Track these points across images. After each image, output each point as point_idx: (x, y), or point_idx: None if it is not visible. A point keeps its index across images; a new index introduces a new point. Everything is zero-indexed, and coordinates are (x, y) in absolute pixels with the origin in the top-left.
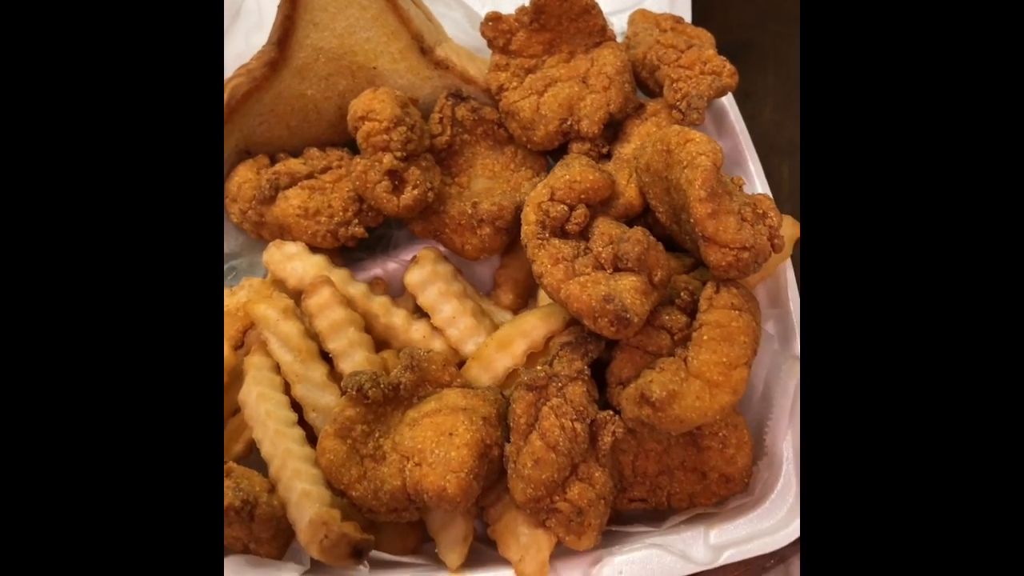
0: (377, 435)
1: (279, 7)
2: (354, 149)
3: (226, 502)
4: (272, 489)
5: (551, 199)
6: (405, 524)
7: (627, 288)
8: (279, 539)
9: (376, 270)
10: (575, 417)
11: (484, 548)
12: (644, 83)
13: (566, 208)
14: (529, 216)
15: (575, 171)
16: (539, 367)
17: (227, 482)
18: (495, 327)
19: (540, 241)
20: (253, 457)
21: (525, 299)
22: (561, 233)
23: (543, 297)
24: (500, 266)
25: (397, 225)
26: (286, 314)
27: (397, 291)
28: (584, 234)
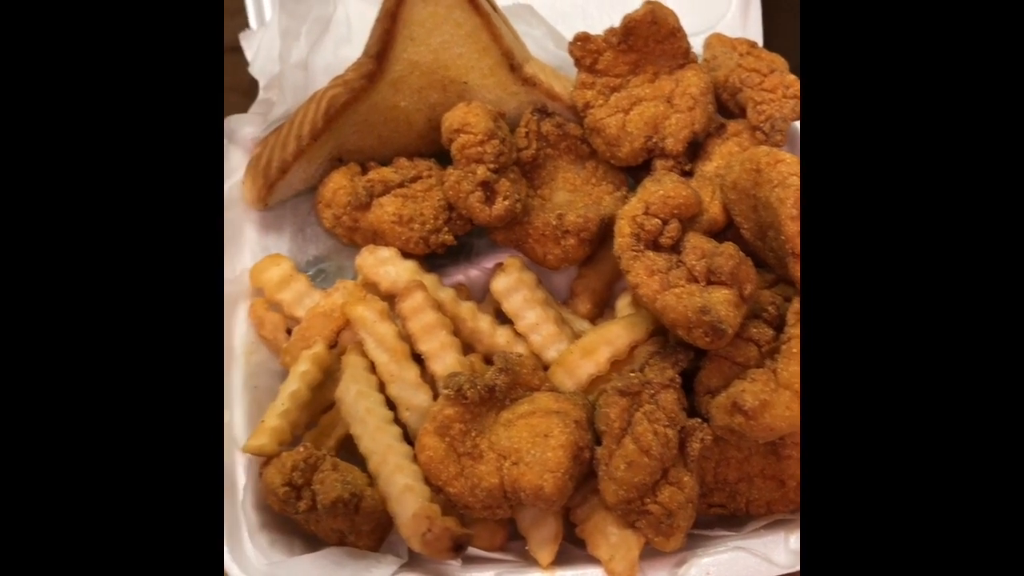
0: (473, 434)
1: (378, 21)
2: (441, 160)
3: (335, 495)
4: (371, 483)
5: (645, 213)
6: (494, 522)
7: (720, 300)
8: (377, 532)
9: (459, 276)
10: (667, 423)
11: (570, 547)
12: (724, 104)
13: (659, 222)
14: (624, 229)
15: (668, 187)
16: (632, 374)
17: (335, 475)
18: (575, 335)
19: (635, 253)
20: (340, 455)
21: (601, 309)
22: (654, 246)
23: (621, 308)
24: (578, 276)
25: (478, 234)
26: (382, 316)
27: (477, 297)
28: (675, 248)
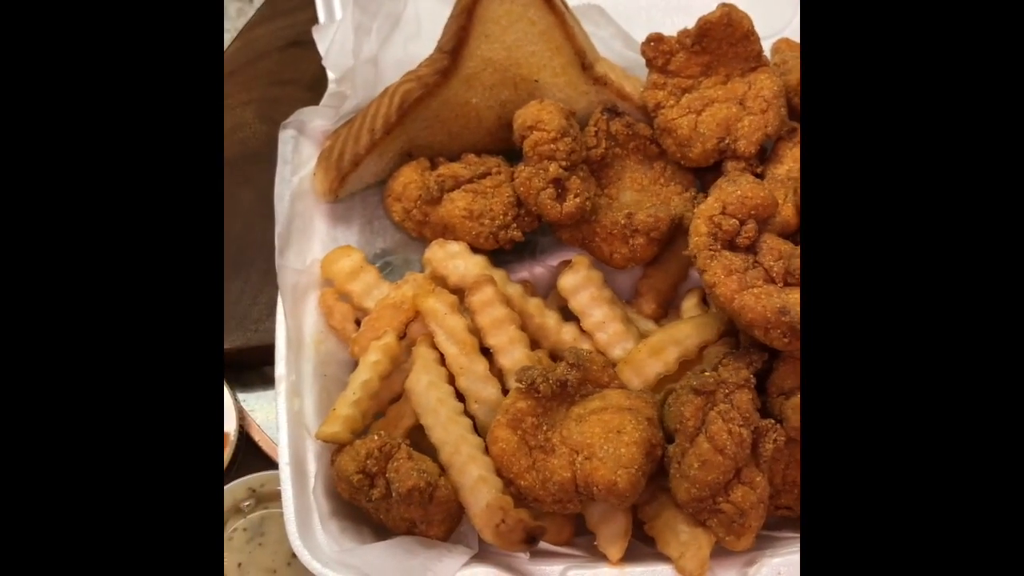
0: (545, 428)
1: (453, 18)
2: (508, 158)
3: (411, 483)
4: (442, 473)
5: (722, 212)
6: (562, 516)
7: (798, 302)
8: (448, 522)
9: (523, 273)
10: (742, 423)
11: (637, 544)
12: (795, 108)
13: (736, 222)
14: (700, 228)
15: (745, 187)
16: (707, 373)
17: (410, 464)
18: (640, 335)
19: (712, 252)
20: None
21: (666, 309)
22: (730, 246)
23: (687, 308)
24: (643, 276)
25: (543, 231)
26: (453, 309)
27: (542, 294)
28: (752, 248)
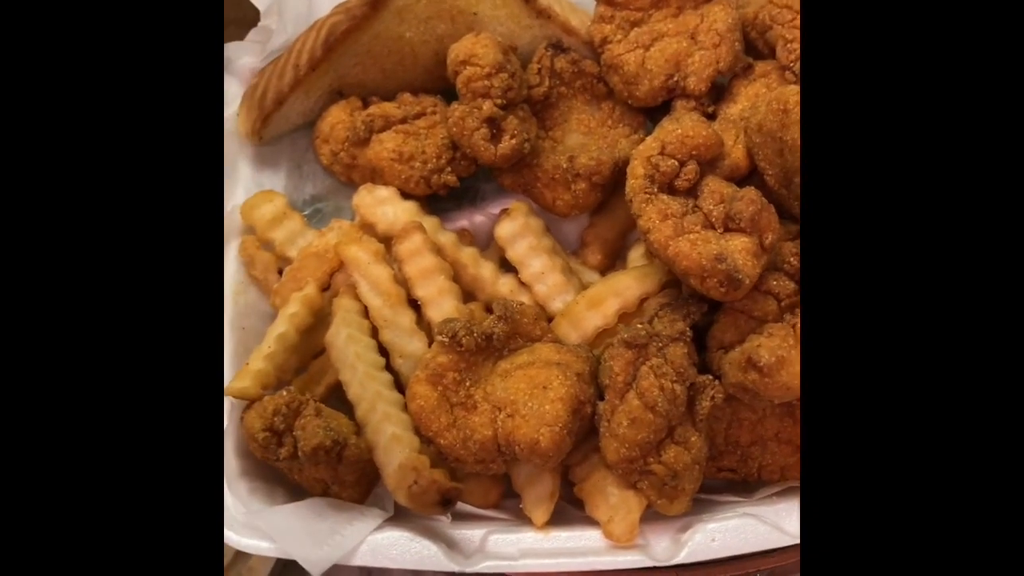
0: (468, 384)
1: None
2: (447, 97)
3: (316, 441)
4: (358, 432)
5: (661, 153)
6: (488, 477)
7: (738, 249)
8: (362, 483)
9: (462, 222)
10: (675, 379)
11: (568, 507)
12: (753, 43)
13: (676, 163)
14: (637, 170)
15: (687, 126)
16: (639, 326)
17: (317, 421)
18: (583, 286)
19: (648, 196)
20: (331, 402)
21: (613, 260)
22: (669, 189)
23: (633, 259)
24: (589, 225)
25: (485, 178)
26: (377, 258)
27: (482, 244)
28: (693, 192)
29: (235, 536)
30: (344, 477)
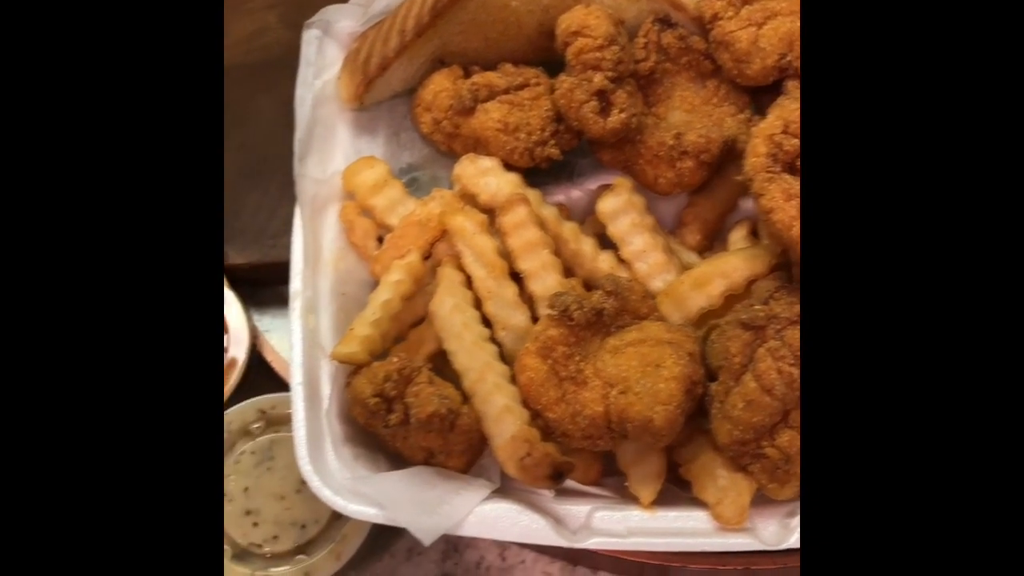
0: (577, 359)
1: None
2: (549, 69)
3: (431, 409)
4: (465, 401)
5: (784, 132)
6: (590, 454)
7: None
8: (468, 453)
9: (559, 196)
10: (792, 362)
11: (672, 488)
12: None
13: (799, 143)
14: (759, 148)
15: None
16: (757, 307)
17: (431, 389)
18: (683, 267)
19: (771, 175)
20: None
21: (711, 242)
22: (791, 169)
23: (734, 240)
24: (688, 204)
25: (582, 153)
26: (482, 228)
27: (577, 220)
28: None
29: (342, 501)
30: (453, 446)
